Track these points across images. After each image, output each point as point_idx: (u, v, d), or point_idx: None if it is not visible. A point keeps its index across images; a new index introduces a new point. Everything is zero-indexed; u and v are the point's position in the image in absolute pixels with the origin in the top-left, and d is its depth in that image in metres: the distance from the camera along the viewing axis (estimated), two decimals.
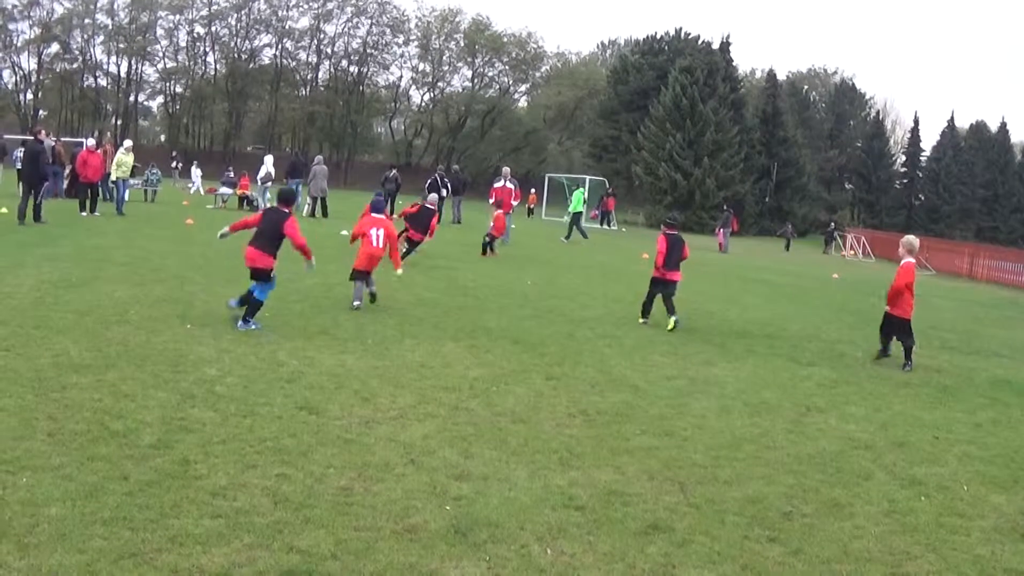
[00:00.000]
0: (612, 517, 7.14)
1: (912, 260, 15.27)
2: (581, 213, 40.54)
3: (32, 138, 27.65)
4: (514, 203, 34.45)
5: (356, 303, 15.85)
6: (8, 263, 17.31)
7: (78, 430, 8.01)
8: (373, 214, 16.78)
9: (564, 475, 8.03)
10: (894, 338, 15.30)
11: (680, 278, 17.65)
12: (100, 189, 32.76)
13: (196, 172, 53.31)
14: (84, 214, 29.12)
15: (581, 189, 42.27)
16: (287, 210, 14.13)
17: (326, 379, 10.71)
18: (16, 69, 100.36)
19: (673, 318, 16.75)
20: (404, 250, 22.08)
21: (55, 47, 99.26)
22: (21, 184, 28.92)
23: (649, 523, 7.08)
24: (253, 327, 13.38)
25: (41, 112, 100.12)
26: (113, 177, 32.76)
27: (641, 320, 17.43)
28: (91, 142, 33.28)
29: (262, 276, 13.76)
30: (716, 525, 7.17)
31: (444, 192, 39.72)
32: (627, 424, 9.91)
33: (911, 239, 15.67)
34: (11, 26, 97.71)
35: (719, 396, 11.66)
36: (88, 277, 16.23)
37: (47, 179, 26.60)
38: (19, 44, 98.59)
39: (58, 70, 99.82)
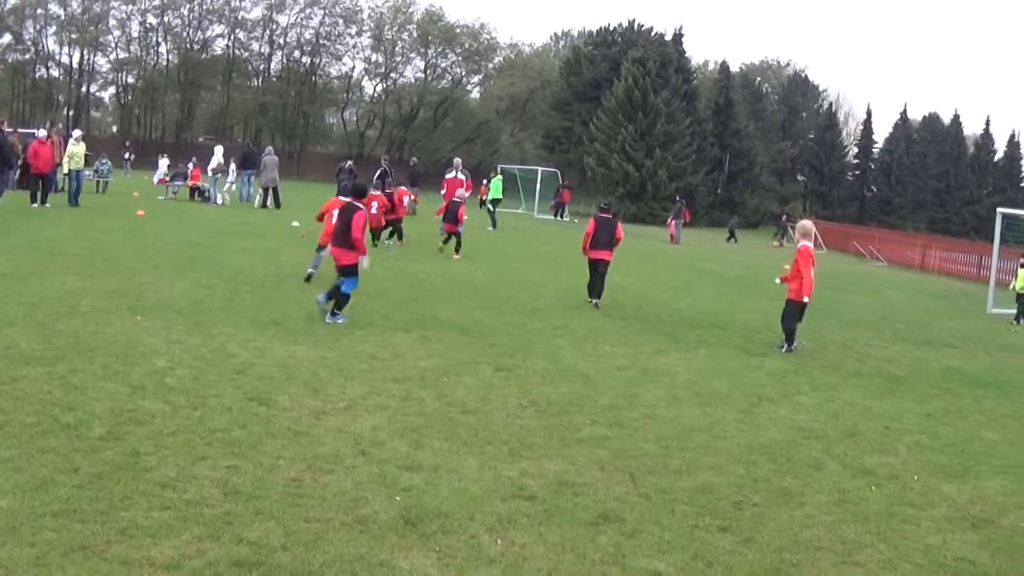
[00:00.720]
0: (562, 507, 7.17)
1: (808, 243, 15.61)
2: (499, 200, 40.39)
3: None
4: (465, 194, 34.35)
5: (311, 270, 16.90)
6: None
7: (28, 422, 7.95)
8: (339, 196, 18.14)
9: (514, 466, 8.06)
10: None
11: (610, 258, 18.73)
12: (51, 181, 32.49)
13: (163, 163, 52.94)
14: (35, 206, 28.83)
15: (499, 177, 41.98)
16: (360, 204, 14.38)
17: (276, 370, 10.69)
18: None
19: (595, 300, 18.13)
20: (444, 242, 23.87)
21: (7, 37, 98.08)
22: None
23: (599, 513, 7.12)
24: (340, 321, 13.75)
25: None
26: (66, 169, 32.44)
27: (589, 301, 18.21)
28: (42, 133, 32.95)
29: (349, 271, 14.03)
30: (666, 515, 7.22)
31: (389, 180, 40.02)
32: (577, 415, 9.95)
33: (805, 223, 16.37)
34: None
35: (670, 386, 11.73)
36: (38, 269, 16.08)
37: (12, 168, 26.79)
38: None
39: (10, 60, 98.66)
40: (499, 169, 57.32)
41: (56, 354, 10.39)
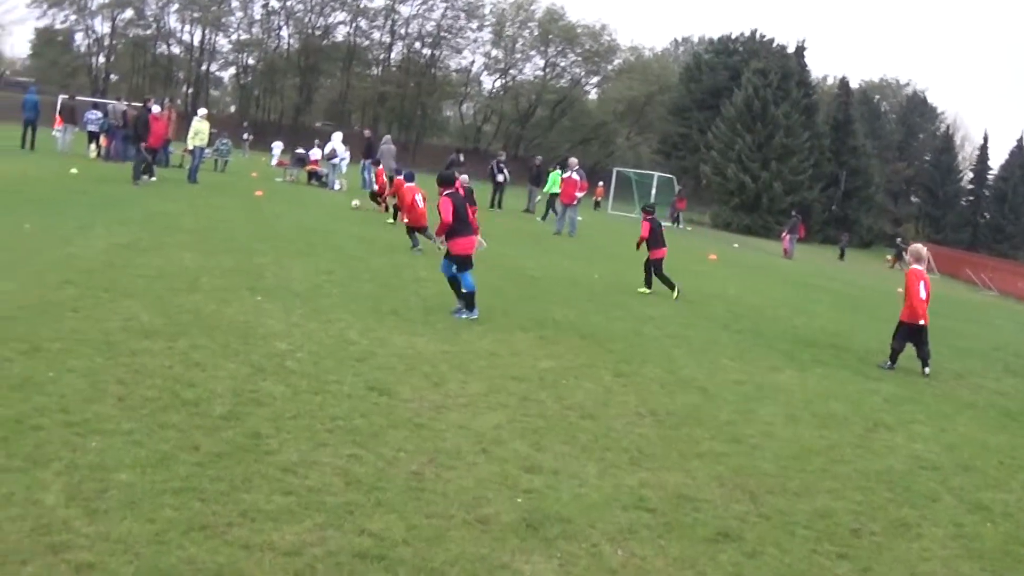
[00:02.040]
0: (682, 522, 7.03)
1: (918, 267, 15.39)
2: (557, 195, 40.06)
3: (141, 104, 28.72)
4: (579, 195, 34.06)
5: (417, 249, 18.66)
6: (79, 225, 17.48)
7: (149, 396, 8.03)
8: (409, 184, 20.08)
9: (634, 475, 7.92)
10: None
11: (664, 254, 20.25)
12: (160, 155, 33.11)
13: (277, 146, 53.59)
14: (144, 177, 29.35)
15: (558, 171, 41.55)
16: (450, 191, 14.36)
17: (396, 360, 10.67)
18: (89, 32, 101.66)
19: (646, 290, 19.84)
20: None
21: (129, 12, 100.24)
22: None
23: (719, 530, 6.97)
24: (475, 315, 13.95)
25: (112, 76, 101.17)
26: (189, 145, 32.98)
27: (645, 290, 19.83)
28: (156, 108, 33.51)
29: (470, 263, 14.15)
30: (786, 537, 7.04)
31: (501, 178, 40.04)
32: (696, 428, 9.77)
33: (917, 247, 16.14)
34: None
35: (786, 404, 11.47)
36: (157, 243, 16.33)
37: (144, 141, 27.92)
38: (93, 8, 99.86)
39: (131, 35, 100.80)
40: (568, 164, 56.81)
41: (177, 329, 10.51)
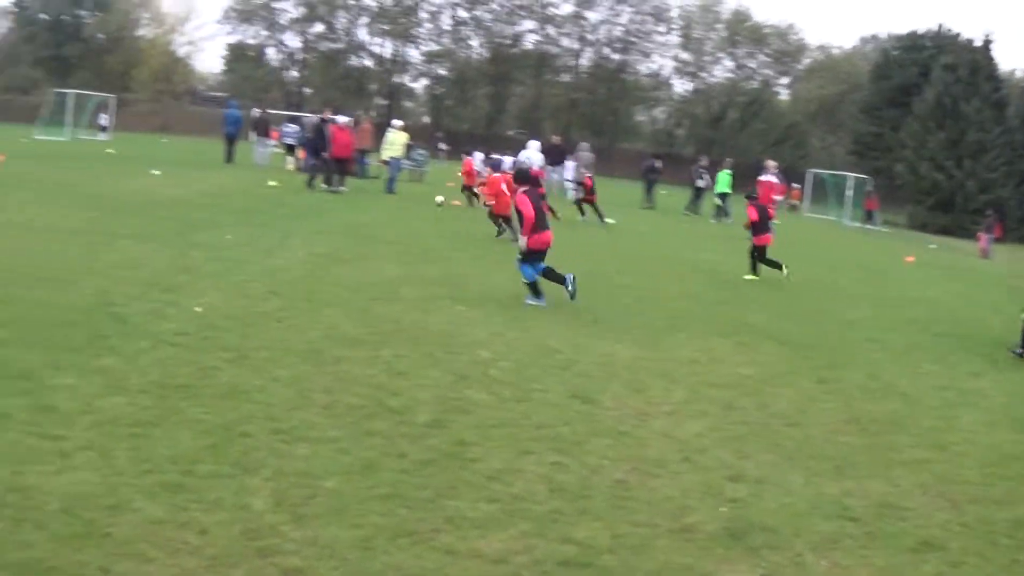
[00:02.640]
0: (886, 531, 6.87)
1: None
2: (728, 194, 39.09)
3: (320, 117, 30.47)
4: (777, 198, 33.61)
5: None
6: (279, 236, 18.02)
7: (353, 404, 8.21)
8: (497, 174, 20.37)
9: (838, 484, 7.76)
10: None
11: (770, 241, 20.44)
12: (357, 166, 33.85)
13: (478, 156, 54.27)
14: (329, 187, 30.02)
15: (727, 171, 40.58)
16: (526, 187, 14.67)
17: (597, 368, 10.68)
18: (281, 47, 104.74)
19: (753, 277, 20.12)
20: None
21: (319, 27, 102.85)
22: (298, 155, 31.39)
23: (922, 540, 6.78)
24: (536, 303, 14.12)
25: (306, 89, 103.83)
26: (384, 156, 33.63)
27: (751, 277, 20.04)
28: (342, 119, 34.29)
29: (541, 257, 14.43)
30: (988, 547, 6.80)
31: (702, 184, 40.01)
32: (900, 435, 9.50)
33: None
34: (276, 5, 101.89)
35: (987, 410, 11.08)
36: (358, 253, 16.71)
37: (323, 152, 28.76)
38: (284, 23, 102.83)
39: (323, 49, 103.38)
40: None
41: (380, 339, 10.73)
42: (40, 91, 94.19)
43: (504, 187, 21.05)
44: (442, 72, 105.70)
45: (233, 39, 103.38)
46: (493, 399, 8.90)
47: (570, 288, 14.38)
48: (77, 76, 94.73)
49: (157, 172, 31.00)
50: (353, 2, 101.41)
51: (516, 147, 46.11)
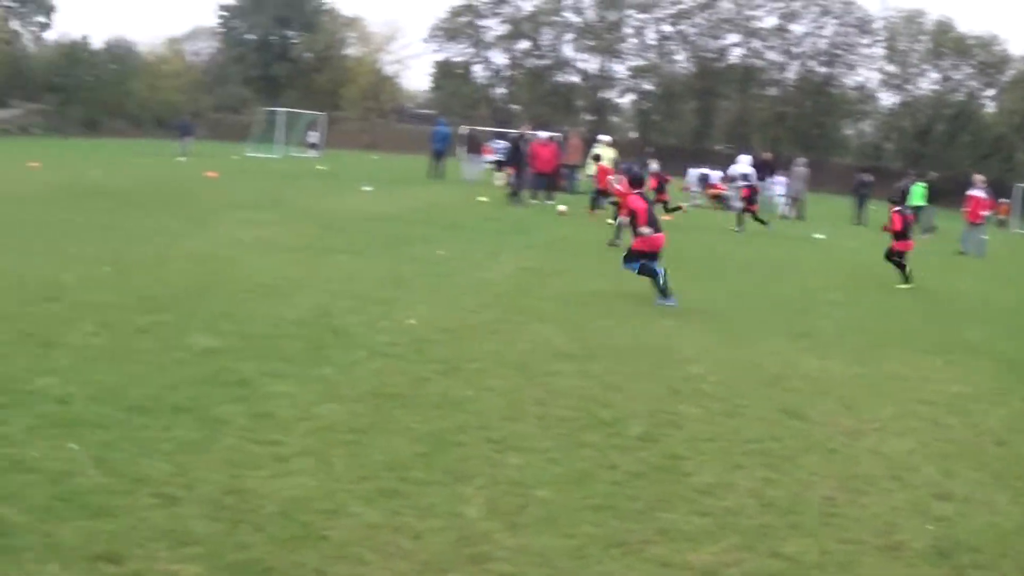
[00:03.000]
0: None
1: None
2: (922, 207, 37.76)
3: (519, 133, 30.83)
4: (984, 213, 32.61)
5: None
6: (488, 250, 18.39)
7: (565, 416, 8.32)
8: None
9: None
10: None
11: (911, 247, 20.51)
12: (566, 182, 34.08)
13: (697, 171, 54.15)
14: (535, 202, 30.30)
15: (920, 184, 39.21)
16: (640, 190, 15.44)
17: (807, 383, 10.57)
18: (488, 64, 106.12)
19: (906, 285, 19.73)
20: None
21: (525, 43, 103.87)
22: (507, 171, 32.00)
23: None
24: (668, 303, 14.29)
25: (513, 106, 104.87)
26: (591, 172, 33.79)
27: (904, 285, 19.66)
28: (544, 135, 34.54)
29: (654, 259, 14.89)
30: None
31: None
32: None
33: None
34: (481, 23, 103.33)
35: None
36: (566, 267, 16.91)
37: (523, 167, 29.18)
38: (490, 40, 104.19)
39: (529, 66, 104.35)
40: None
41: (590, 352, 10.84)
42: (250, 110, 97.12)
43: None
44: (648, 87, 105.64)
45: (440, 57, 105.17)
46: (704, 413, 8.92)
47: (661, 283, 14.69)
48: (286, 95, 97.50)
49: (368, 188, 31.80)
50: (558, 18, 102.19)
51: (724, 162, 45.83)
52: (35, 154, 44.95)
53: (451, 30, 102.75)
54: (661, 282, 14.62)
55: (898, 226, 19.87)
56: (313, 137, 65.43)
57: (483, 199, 28.67)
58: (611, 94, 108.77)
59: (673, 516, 6.45)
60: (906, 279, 19.69)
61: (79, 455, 6.66)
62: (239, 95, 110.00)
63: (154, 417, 7.55)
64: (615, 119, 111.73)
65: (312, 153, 61.49)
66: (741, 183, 30.04)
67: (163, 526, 5.67)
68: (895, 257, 20.04)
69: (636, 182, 15.92)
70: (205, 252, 16.24)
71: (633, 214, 15.22)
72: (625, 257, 15.24)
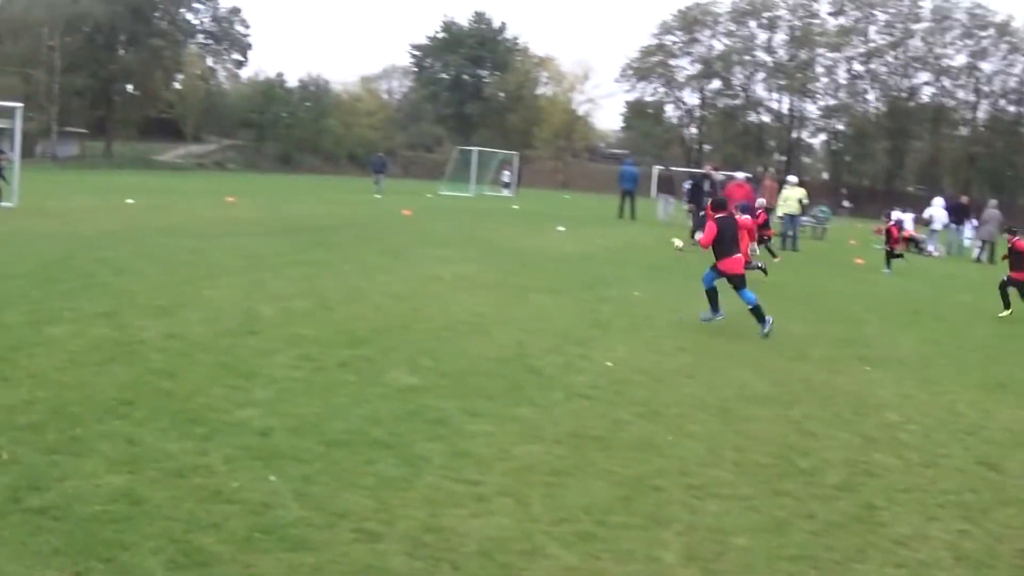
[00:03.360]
0: None
1: None
2: None
3: (702, 171, 30.78)
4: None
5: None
6: (685, 291, 18.32)
7: (763, 463, 8.29)
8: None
9: None
10: None
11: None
12: None
13: (898, 214, 53.04)
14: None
15: None
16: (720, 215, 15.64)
17: (1005, 434, 10.27)
18: (680, 104, 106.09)
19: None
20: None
21: (716, 83, 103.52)
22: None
23: None
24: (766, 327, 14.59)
25: (705, 146, 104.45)
26: (779, 212, 33.50)
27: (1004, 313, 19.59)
28: (740, 175, 34.31)
29: (741, 281, 15.37)
30: None
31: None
32: None
33: None
34: (672, 62, 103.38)
35: None
36: (765, 309, 16.73)
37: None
38: (681, 80, 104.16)
39: (720, 105, 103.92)
40: None
41: (789, 397, 10.76)
42: (443, 148, 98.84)
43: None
44: (839, 127, 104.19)
45: (631, 97, 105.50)
46: (901, 463, 8.77)
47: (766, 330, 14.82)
48: (479, 134, 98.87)
49: (562, 228, 32.00)
50: (749, 57, 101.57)
51: (917, 204, 44.94)
52: (231, 189, 46.50)
53: (643, 69, 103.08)
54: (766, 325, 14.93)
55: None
56: (507, 176, 66.15)
57: (677, 240, 28.56)
58: (803, 134, 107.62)
59: (869, 568, 6.39)
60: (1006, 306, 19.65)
61: (279, 487, 6.87)
62: (432, 133, 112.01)
63: (354, 451, 7.74)
64: (807, 159, 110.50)
65: (505, 192, 62.16)
66: (888, 222, 29.10)
67: (363, 561, 5.83)
68: (1011, 286, 19.87)
69: (718, 206, 16.25)
70: (403, 288, 16.58)
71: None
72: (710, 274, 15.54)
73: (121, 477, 6.83)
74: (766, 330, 14.58)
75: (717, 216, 15.51)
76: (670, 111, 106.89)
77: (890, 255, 28.82)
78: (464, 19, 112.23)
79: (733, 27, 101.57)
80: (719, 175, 34.85)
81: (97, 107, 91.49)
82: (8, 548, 5.70)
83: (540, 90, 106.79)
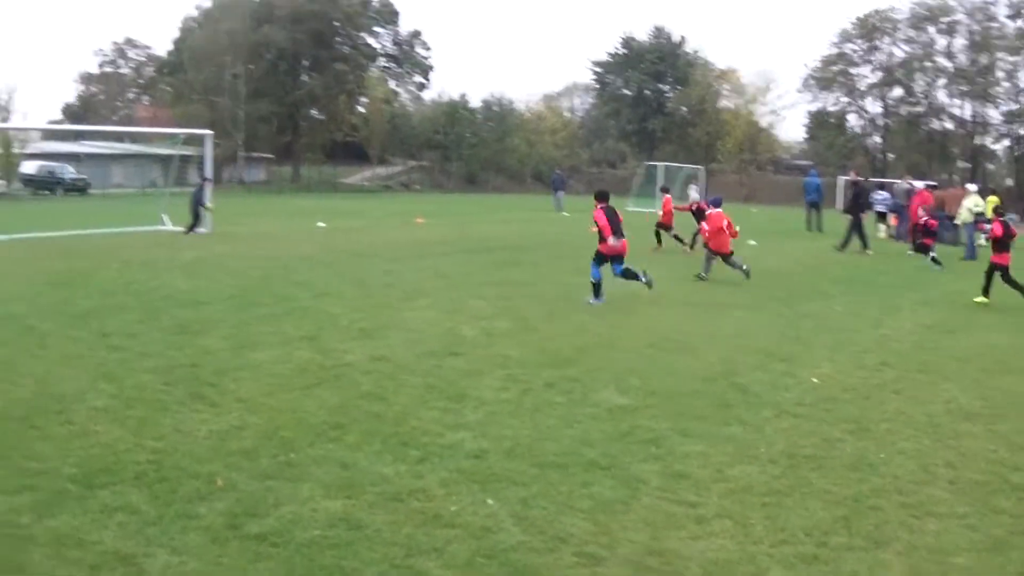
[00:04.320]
0: None
1: None
2: None
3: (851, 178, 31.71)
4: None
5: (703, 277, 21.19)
6: (884, 305, 17.97)
7: (977, 479, 8.02)
8: (716, 210, 21.84)
9: None
10: None
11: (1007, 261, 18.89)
12: (948, 233, 32.85)
13: None
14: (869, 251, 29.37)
15: None
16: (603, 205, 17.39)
17: None
18: (862, 113, 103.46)
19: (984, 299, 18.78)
20: None
21: (898, 90, 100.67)
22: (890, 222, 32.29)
23: None
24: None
25: (889, 155, 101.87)
26: (958, 220, 32.52)
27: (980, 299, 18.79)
28: (920, 184, 33.40)
29: (617, 259, 17.45)
30: None
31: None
32: None
33: None
34: (853, 71, 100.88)
35: None
36: (963, 322, 16.22)
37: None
38: (863, 88, 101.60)
39: (903, 113, 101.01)
40: None
41: (995, 411, 10.36)
42: (627, 164, 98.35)
43: (724, 225, 21.30)
44: (1022, 132, 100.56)
45: (814, 107, 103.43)
46: None
47: (644, 279, 17.33)
48: (663, 149, 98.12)
49: (753, 242, 31.62)
50: (930, 64, 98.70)
51: None
52: (419, 210, 47.06)
53: (824, 79, 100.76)
54: (642, 278, 17.40)
55: (998, 232, 19.00)
56: (693, 191, 65.64)
57: (868, 252, 27.88)
58: (986, 140, 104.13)
59: None
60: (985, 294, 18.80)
61: (497, 511, 6.89)
62: (616, 149, 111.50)
63: (570, 474, 7.74)
64: (991, 166, 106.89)
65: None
66: (925, 217, 27.57)
67: None
68: (999, 273, 18.87)
69: (600, 196, 17.80)
70: (603, 306, 16.64)
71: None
72: (594, 260, 17.33)
73: (338, 502, 6.98)
74: (596, 302, 16.93)
75: (601, 206, 17.40)
76: (853, 120, 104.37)
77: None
78: (643, 34, 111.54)
79: (912, 33, 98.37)
80: (868, 182, 34.12)
81: (283, 132, 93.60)
82: (230, 575, 5.87)
83: (722, 103, 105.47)
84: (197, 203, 30.72)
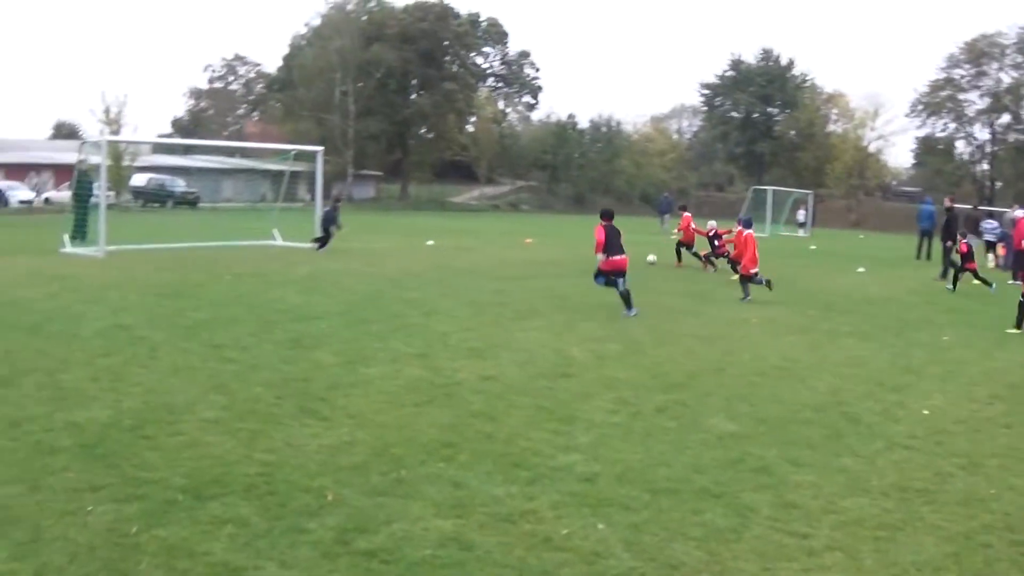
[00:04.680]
0: None
1: None
2: None
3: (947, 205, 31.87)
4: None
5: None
6: (994, 337, 17.52)
7: None
8: (749, 231, 22.25)
9: None
10: None
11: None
12: None
13: None
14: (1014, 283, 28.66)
15: None
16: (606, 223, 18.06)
17: None
18: (970, 140, 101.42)
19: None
20: None
21: (1006, 117, 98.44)
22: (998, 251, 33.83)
23: None
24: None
25: (997, 183, 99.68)
26: None
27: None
28: (1019, 212, 32.62)
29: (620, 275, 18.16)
30: None
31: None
32: None
33: None
34: (961, 96, 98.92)
35: None
36: None
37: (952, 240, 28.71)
38: (971, 114, 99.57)
39: (1011, 140, 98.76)
40: None
41: None
42: (734, 187, 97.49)
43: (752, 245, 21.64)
44: None
45: (922, 132, 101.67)
46: None
47: (630, 312, 17.83)
48: (771, 172, 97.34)
49: (862, 269, 31.22)
50: None
51: None
52: (527, 230, 47.07)
53: (932, 104, 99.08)
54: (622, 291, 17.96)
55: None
56: (801, 215, 64.96)
57: (977, 282, 27.36)
58: None
59: None
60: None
61: (608, 535, 6.87)
62: (723, 172, 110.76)
63: (681, 500, 7.71)
64: None
65: (801, 232, 60.94)
66: (961, 240, 26.72)
67: None
68: None
69: (605, 215, 18.33)
70: (711, 331, 16.58)
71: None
72: (596, 275, 18.43)
73: (449, 521, 7.01)
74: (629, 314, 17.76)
75: (603, 224, 18.05)
76: (961, 147, 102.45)
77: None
78: (752, 56, 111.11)
79: (1020, 58, 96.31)
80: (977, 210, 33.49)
81: (392, 150, 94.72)
82: None
83: (831, 127, 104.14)
84: (328, 222, 30.70)
